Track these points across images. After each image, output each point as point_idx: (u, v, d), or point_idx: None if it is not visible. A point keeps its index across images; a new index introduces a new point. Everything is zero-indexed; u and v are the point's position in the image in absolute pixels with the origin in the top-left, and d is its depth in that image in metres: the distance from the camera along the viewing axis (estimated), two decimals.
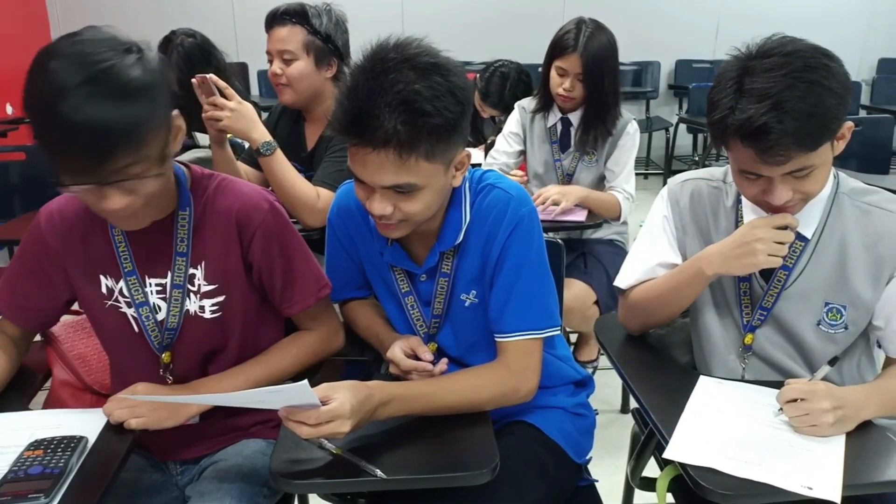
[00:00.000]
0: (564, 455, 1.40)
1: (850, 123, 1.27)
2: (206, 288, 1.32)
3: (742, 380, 1.44)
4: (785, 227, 1.31)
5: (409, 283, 1.39)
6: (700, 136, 5.85)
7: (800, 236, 1.36)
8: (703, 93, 4.95)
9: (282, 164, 2.05)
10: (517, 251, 1.30)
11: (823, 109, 1.18)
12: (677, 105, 6.36)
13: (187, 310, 1.33)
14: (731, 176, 1.45)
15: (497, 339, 1.33)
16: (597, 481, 1.49)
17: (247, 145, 2.22)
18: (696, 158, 5.51)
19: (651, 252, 1.51)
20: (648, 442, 1.47)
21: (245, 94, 3.26)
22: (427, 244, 1.36)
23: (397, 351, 1.34)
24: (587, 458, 1.49)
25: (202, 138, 2.57)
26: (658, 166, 6.13)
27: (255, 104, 2.27)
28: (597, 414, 1.54)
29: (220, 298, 1.33)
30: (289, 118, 2.35)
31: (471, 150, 1.35)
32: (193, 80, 2.01)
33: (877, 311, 1.36)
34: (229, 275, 1.33)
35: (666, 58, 6.38)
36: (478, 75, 3.47)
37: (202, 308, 1.33)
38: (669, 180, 1.56)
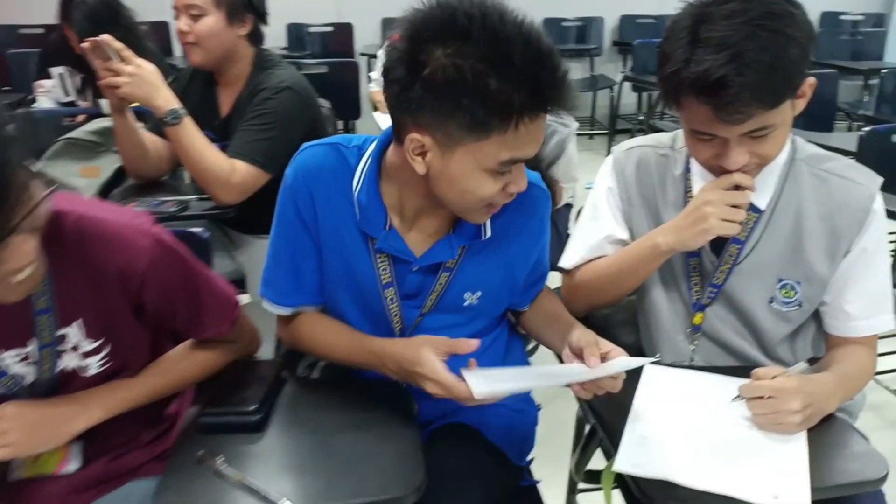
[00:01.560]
0: (504, 458, 1.27)
1: (811, 80, 1.17)
2: (88, 347, 1.11)
3: (691, 362, 1.36)
4: (737, 188, 1.19)
5: (391, 274, 1.21)
6: (645, 95, 5.74)
7: (753, 208, 1.26)
8: (647, 49, 4.86)
9: (190, 134, 1.85)
10: (545, 243, 1.32)
11: (787, 61, 1.08)
12: (622, 62, 6.22)
13: (64, 368, 1.11)
14: (680, 142, 1.34)
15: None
16: (539, 482, 1.37)
17: None
18: (641, 118, 5.42)
19: (596, 228, 1.40)
20: (594, 435, 1.36)
21: (160, 56, 3.01)
22: (431, 232, 1.19)
23: (440, 369, 1.07)
24: (529, 459, 1.37)
25: (107, 106, 2.33)
26: (603, 126, 6.02)
27: (172, 66, 2.06)
28: (539, 409, 1.41)
29: (108, 349, 1.12)
30: (200, 81, 2.13)
31: None
32: (84, 45, 1.78)
33: (828, 285, 1.28)
34: (116, 326, 1.12)
35: (610, 13, 6.21)
36: None
37: (85, 367, 1.12)
38: (614, 148, 1.44)
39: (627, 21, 6.20)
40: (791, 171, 1.27)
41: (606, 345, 1.09)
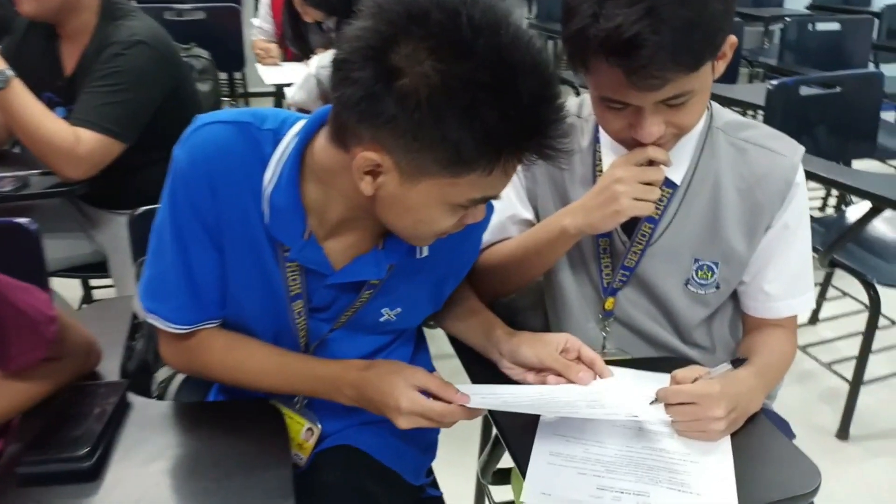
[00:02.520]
0: (400, 480, 1.11)
1: (733, 38, 1.03)
2: None
3: (603, 350, 1.24)
4: (651, 164, 1.06)
5: (303, 285, 1.01)
6: (551, 44, 5.61)
7: (668, 182, 1.14)
8: None
9: (21, 100, 1.56)
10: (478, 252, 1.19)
11: (708, 17, 0.94)
12: (527, 7, 6.03)
13: None
14: (587, 109, 1.20)
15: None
16: (441, 494, 1.23)
17: None
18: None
19: (499, 207, 1.24)
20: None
21: (5, 3, 2.61)
22: (353, 242, 1.00)
23: (420, 399, 0.94)
24: (429, 479, 1.22)
25: None
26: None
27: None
28: None
29: None
30: (39, 35, 1.81)
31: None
32: None
33: (747, 265, 1.19)
34: None
35: None
36: None
37: None
38: None
39: None
40: (708, 140, 1.15)
41: (563, 341, 1.06)
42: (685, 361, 1.20)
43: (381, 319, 1.08)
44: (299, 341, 1.06)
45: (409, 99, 0.76)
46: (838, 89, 2.53)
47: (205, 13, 3.23)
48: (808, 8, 4.98)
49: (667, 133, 1.04)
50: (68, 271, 1.95)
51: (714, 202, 1.15)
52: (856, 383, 2.14)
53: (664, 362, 1.14)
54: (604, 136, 1.17)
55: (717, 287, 1.19)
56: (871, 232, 2.16)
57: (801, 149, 1.16)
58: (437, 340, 1.27)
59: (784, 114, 2.37)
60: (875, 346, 2.10)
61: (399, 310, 1.08)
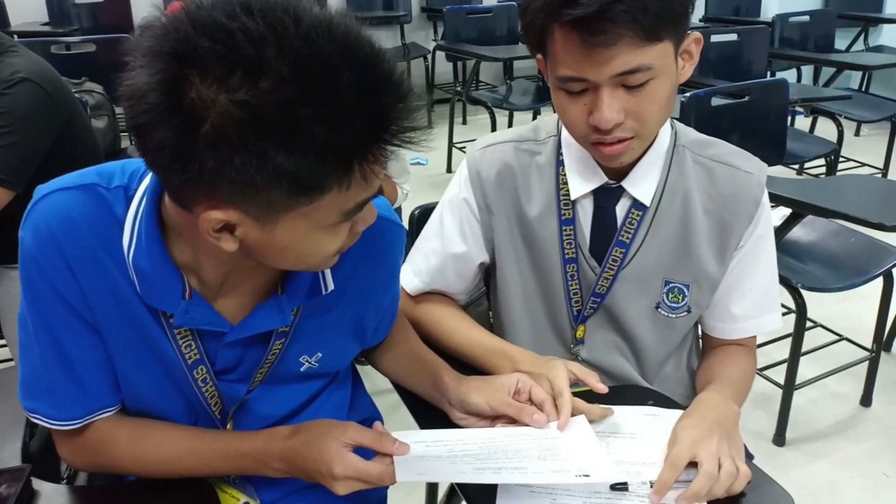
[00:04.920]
0: None
1: (698, 35, 1.02)
2: None
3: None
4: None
5: (200, 349, 0.91)
6: (460, 64, 5.61)
7: (637, 204, 1.12)
8: (458, 17, 4.67)
9: None
10: (399, 280, 1.10)
11: None
12: (432, 30, 6.03)
13: None
14: (544, 132, 1.17)
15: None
16: None
17: None
18: (459, 88, 5.27)
19: (438, 245, 1.21)
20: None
21: None
22: (248, 291, 0.90)
23: (356, 462, 0.87)
24: None
25: None
26: (420, 98, 5.78)
27: None
28: None
29: None
30: None
31: None
32: None
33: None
34: None
35: None
36: None
37: None
38: (469, 148, 1.22)
39: None
40: (675, 158, 1.13)
41: (514, 382, 1.01)
42: (642, 390, 1.16)
43: (302, 369, 0.99)
44: (212, 411, 0.95)
45: (220, 145, 0.65)
46: (747, 98, 2.59)
47: (95, 45, 3.04)
48: (701, 20, 5.16)
49: (626, 124, 0.98)
50: None
51: (684, 222, 1.12)
52: (788, 387, 2.17)
53: (621, 391, 1.09)
54: (568, 156, 1.14)
55: (689, 311, 1.16)
56: (791, 237, 2.20)
57: (765, 166, 1.15)
58: (372, 375, 1.18)
59: (697, 125, 2.37)
60: (802, 348, 2.13)
61: (319, 354, 0.99)
